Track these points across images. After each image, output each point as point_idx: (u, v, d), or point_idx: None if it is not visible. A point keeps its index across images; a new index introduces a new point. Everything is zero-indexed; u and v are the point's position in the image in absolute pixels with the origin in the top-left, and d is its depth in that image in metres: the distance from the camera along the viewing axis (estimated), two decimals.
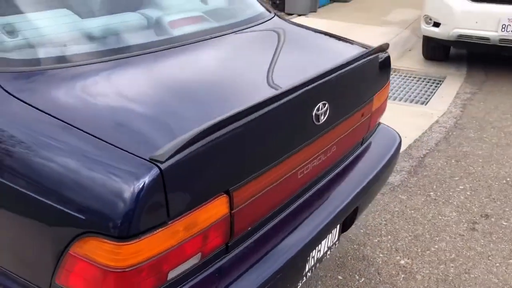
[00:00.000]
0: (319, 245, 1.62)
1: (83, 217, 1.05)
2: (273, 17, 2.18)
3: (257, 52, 1.76)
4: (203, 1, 2.15)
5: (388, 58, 1.99)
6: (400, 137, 2.23)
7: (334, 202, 1.66)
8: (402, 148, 3.49)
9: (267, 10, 2.23)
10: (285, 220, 1.53)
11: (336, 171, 1.79)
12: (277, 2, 7.38)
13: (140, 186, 1.03)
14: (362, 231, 2.58)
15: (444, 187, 3.02)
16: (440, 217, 2.72)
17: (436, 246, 2.48)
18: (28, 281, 1.20)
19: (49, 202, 1.08)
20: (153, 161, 1.06)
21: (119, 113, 1.24)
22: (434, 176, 3.14)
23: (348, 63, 1.63)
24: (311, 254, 1.56)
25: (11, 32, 1.47)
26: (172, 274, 1.18)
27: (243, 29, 1.91)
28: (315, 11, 7.51)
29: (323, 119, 1.54)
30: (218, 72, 1.53)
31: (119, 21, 1.73)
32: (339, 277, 2.26)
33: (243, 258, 1.38)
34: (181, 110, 1.31)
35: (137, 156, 1.08)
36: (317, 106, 1.50)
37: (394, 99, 4.49)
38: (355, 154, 1.95)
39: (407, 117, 4.06)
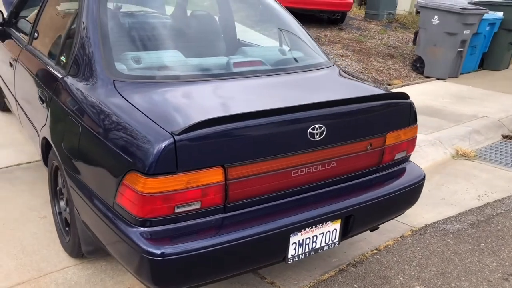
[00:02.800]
0: (303, 234, 2.13)
1: (131, 160, 1.85)
2: (331, 66, 2.82)
3: (292, 85, 2.44)
4: (283, 53, 2.91)
5: (408, 105, 2.45)
6: (424, 176, 2.60)
7: (321, 204, 2.18)
8: (477, 204, 3.65)
9: (329, 61, 2.88)
10: (277, 206, 2.11)
11: (337, 185, 2.29)
12: (418, 65, 7.73)
13: (161, 146, 1.78)
14: (395, 258, 2.91)
15: (499, 242, 3.13)
16: (478, 263, 2.89)
17: (458, 284, 2.69)
18: (102, 198, 2.03)
19: (116, 149, 1.91)
20: (172, 133, 1.81)
21: (171, 105, 2.05)
22: (495, 232, 3.26)
23: (350, 100, 2.18)
24: (291, 237, 2.09)
25: (137, 60, 2.41)
26: (178, 209, 1.89)
27: (293, 72, 2.60)
28: (456, 77, 7.63)
29: (318, 137, 2.11)
30: (248, 91, 2.26)
31: (208, 61, 2.59)
32: (355, 285, 2.66)
33: (235, 219, 2.01)
34: (212, 110, 2.06)
35: (164, 129, 1.84)
36: (313, 126, 2.08)
37: (499, 163, 4.53)
38: (366, 178, 2.42)
39: (501, 180, 4.13)
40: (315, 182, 2.22)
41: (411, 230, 3.25)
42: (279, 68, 2.62)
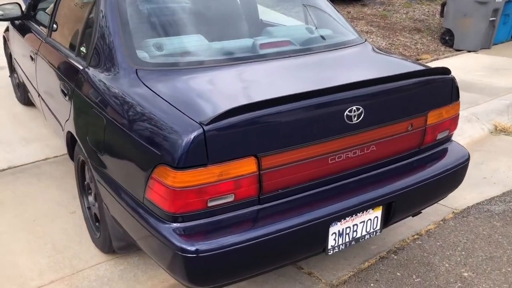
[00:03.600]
0: (343, 224, 2.01)
1: (159, 153, 1.74)
2: (363, 43, 2.65)
3: (324, 65, 2.29)
4: (310, 31, 2.75)
5: (450, 81, 2.27)
6: (468, 156, 2.43)
7: (361, 191, 2.04)
8: None
9: (360, 37, 2.71)
10: (314, 195, 1.98)
11: (378, 170, 2.15)
12: (446, 38, 7.41)
13: (190, 138, 1.67)
14: (438, 243, 2.76)
15: None
16: None
17: (509, 269, 2.53)
18: (131, 193, 1.94)
19: (142, 142, 1.81)
20: (201, 123, 1.69)
21: (197, 93, 1.93)
22: None
23: (388, 78, 2.02)
24: (331, 227, 1.97)
25: (159, 47, 2.29)
26: (211, 203, 1.78)
27: (324, 51, 2.45)
28: (488, 48, 7.30)
29: (356, 120, 1.97)
30: (278, 74, 2.12)
31: (232, 44, 2.45)
32: (398, 273, 2.52)
33: (271, 211, 1.89)
34: (241, 96, 1.93)
35: (192, 120, 1.73)
36: (350, 109, 1.94)
37: None
38: (407, 161, 2.26)
39: None
40: (354, 168, 2.08)
41: (453, 212, 3.08)
42: (309, 48, 2.47)
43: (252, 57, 2.30)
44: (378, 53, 2.62)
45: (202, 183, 1.73)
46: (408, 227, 2.91)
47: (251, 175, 1.81)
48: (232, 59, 2.27)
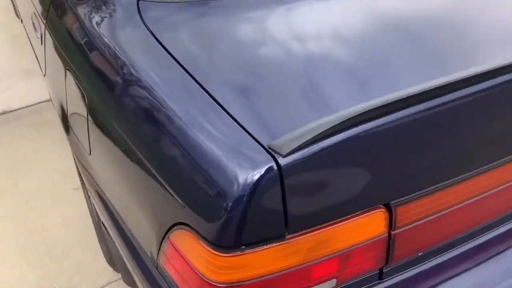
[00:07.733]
0: None
1: (183, 204, 0.81)
2: None
3: None
4: None
5: None
6: None
7: None
8: None
9: None
10: (478, 250, 1.04)
11: None
12: None
13: (248, 184, 0.71)
14: None
15: None
16: None
17: None
18: (147, 254, 1.04)
19: (143, 158, 0.88)
20: (274, 151, 0.73)
21: (259, 67, 0.92)
22: None
23: None
24: None
25: None
26: None
27: None
28: None
29: None
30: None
31: None
32: None
33: None
34: (351, 79, 0.91)
35: (255, 139, 0.75)
36: None
37: None
38: None
39: None
40: None
41: None
42: None
43: None
44: None
45: (274, 271, 0.81)
46: None
47: (375, 240, 0.87)
48: None
